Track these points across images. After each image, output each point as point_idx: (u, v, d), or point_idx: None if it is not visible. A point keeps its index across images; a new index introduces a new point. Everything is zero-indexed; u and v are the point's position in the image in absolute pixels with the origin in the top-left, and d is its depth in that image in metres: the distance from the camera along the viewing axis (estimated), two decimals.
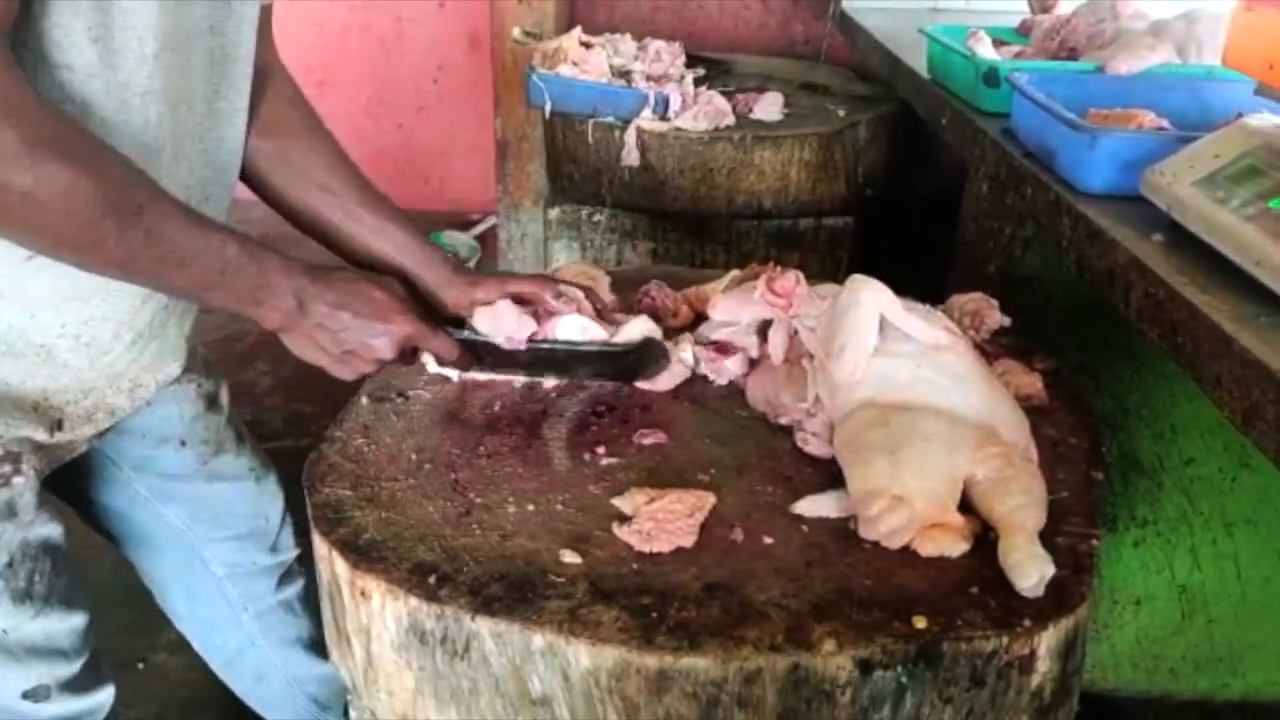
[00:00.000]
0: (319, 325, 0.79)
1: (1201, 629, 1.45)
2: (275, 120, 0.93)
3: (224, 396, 1.04)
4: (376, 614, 0.66)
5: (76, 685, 0.92)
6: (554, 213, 1.79)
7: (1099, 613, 1.44)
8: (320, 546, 0.70)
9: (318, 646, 1.15)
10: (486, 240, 3.12)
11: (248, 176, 0.94)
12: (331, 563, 0.69)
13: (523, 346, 0.87)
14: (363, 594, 0.66)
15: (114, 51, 0.71)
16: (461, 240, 3.13)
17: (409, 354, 0.84)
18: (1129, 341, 1.23)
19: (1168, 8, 1.37)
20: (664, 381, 0.91)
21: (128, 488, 1.02)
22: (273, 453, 1.13)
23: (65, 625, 0.90)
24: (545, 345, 0.87)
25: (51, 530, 0.88)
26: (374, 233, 0.93)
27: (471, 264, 2.98)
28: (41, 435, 0.82)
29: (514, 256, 2.62)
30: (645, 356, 0.89)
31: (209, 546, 1.06)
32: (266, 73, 0.92)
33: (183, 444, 1.00)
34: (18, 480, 0.83)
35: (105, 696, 0.95)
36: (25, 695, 0.88)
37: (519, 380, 0.91)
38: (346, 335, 0.79)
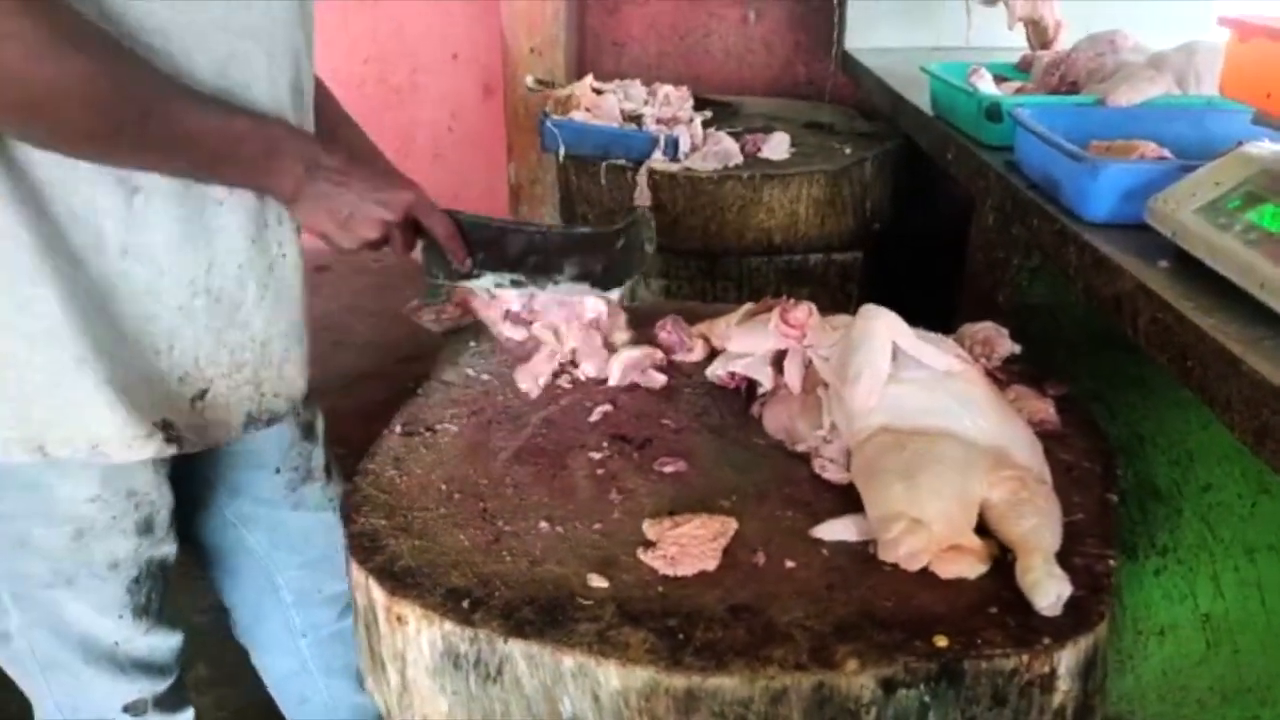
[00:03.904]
0: (325, 188, 0.82)
1: (1228, 659, 1.44)
2: None
3: (319, 426, 1.07)
4: (412, 639, 0.68)
5: (167, 703, 0.98)
6: None
7: (1123, 643, 1.43)
8: (357, 575, 0.72)
9: (361, 677, 1.18)
10: None
11: None
12: (368, 590, 0.71)
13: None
14: (399, 619, 0.68)
15: None
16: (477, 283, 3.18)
17: (410, 234, 0.87)
18: (1140, 368, 1.24)
19: (1165, 41, 1.41)
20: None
21: (218, 514, 1.05)
22: None
23: (167, 643, 0.96)
24: (533, 228, 0.92)
25: (171, 550, 0.94)
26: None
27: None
28: (182, 409, 0.84)
29: None
30: (632, 239, 0.92)
31: (283, 573, 1.09)
32: None
33: (276, 471, 1.04)
34: (159, 497, 0.88)
35: (188, 717, 1.01)
36: (126, 708, 0.94)
37: (510, 295, 0.95)
38: (351, 195, 0.83)
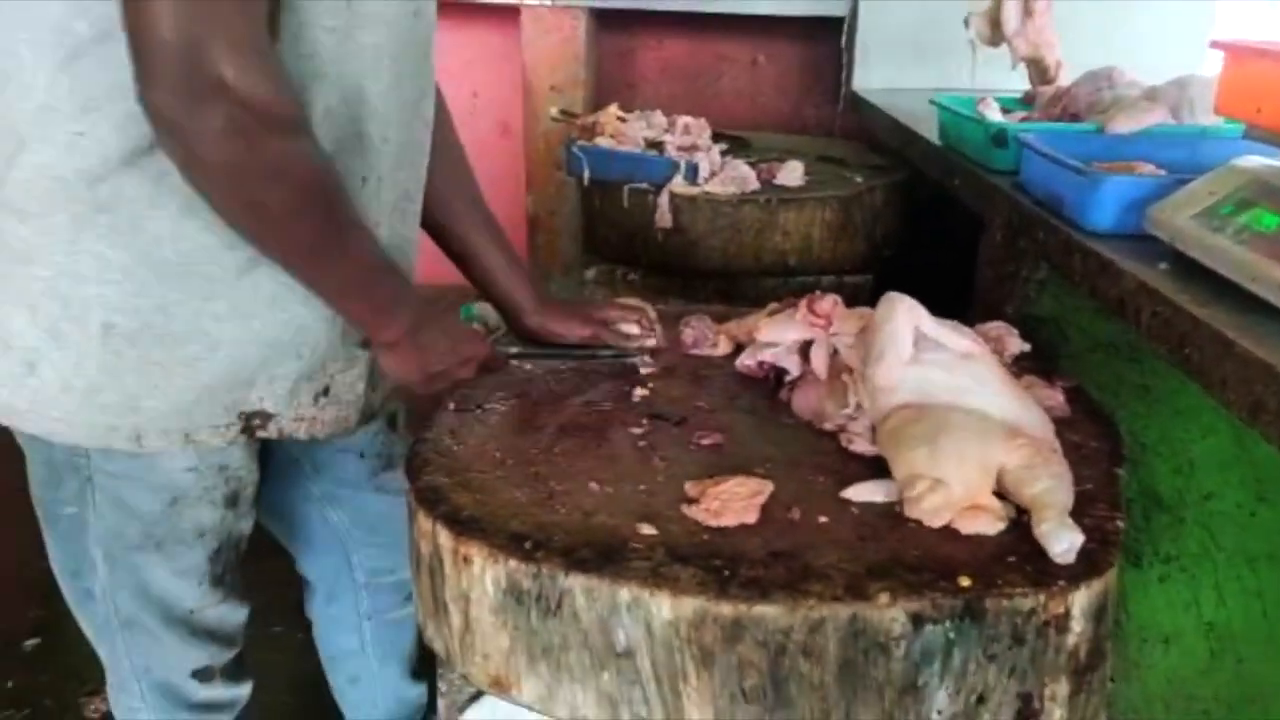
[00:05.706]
0: (423, 347, 0.90)
1: (1231, 668, 1.47)
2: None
3: (401, 419, 1.14)
4: (477, 578, 0.73)
5: (231, 672, 1.03)
6: (590, 272, 1.90)
7: (1129, 651, 1.46)
8: (424, 524, 0.78)
9: (412, 669, 1.26)
10: None
11: None
12: (434, 536, 0.76)
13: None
14: (465, 560, 0.73)
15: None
16: (491, 312, 3.25)
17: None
18: (1144, 378, 1.30)
19: (1156, 77, 1.50)
20: None
21: (303, 487, 1.11)
22: None
23: (236, 616, 1.02)
24: (583, 351, 1.07)
25: (249, 525, 1.00)
26: (478, 254, 1.08)
27: (500, 334, 3.12)
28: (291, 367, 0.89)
29: None
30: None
31: (359, 551, 1.16)
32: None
33: (361, 455, 1.10)
34: (247, 474, 0.94)
35: (247, 689, 1.07)
36: (195, 674, 1.00)
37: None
38: (440, 359, 0.92)
